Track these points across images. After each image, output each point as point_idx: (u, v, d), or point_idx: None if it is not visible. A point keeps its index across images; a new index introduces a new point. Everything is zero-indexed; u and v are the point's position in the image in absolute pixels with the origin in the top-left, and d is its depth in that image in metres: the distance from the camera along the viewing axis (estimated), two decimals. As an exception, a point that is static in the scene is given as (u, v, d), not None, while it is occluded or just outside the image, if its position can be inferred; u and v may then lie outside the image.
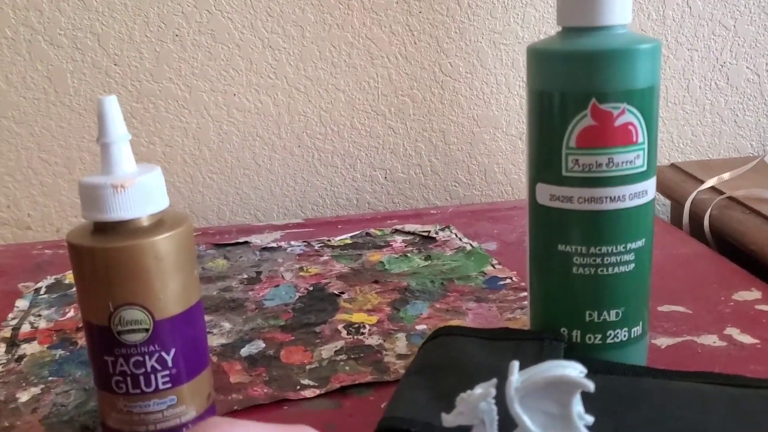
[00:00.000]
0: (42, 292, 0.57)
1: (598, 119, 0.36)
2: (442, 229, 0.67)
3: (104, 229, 0.33)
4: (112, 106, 0.33)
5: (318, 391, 0.41)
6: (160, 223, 0.34)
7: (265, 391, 0.42)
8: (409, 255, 0.61)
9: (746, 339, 0.45)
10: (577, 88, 0.36)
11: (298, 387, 0.42)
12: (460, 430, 0.29)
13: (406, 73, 0.77)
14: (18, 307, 0.54)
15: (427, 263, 0.59)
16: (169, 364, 0.34)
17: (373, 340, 0.47)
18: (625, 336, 0.39)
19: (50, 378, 0.44)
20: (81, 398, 0.42)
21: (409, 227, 0.68)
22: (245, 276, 0.58)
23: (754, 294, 0.51)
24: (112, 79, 0.73)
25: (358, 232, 0.67)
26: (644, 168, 0.37)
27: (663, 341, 0.45)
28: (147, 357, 0.33)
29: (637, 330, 0.40)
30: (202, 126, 0.75)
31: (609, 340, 0.39)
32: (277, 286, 0.56)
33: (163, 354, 0.33)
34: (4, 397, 0.42)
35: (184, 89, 0.74)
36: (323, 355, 0.45)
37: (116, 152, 0.33)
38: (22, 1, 0.70)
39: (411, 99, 0.78)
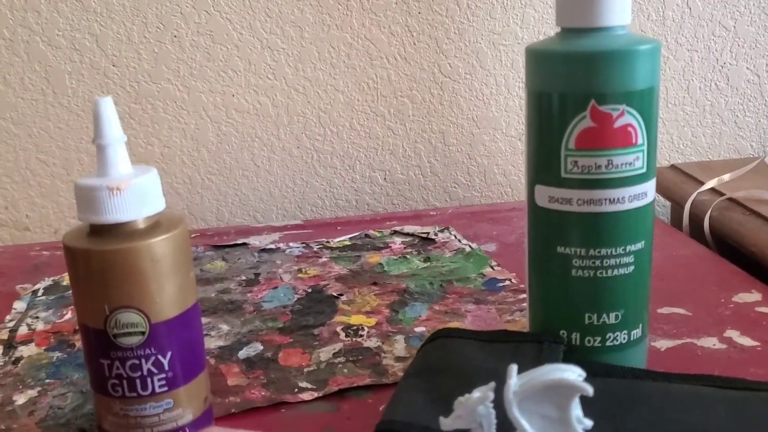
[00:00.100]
0: (40, 293, 0.57)
1: (597, 121, 0.36)
2: (442, 231, 0.67)
3: (100, 231, 0.33)
4: (109, 108, 0.33)
5: (316, 394, 0.41)
6: (156, 226, 0.34)
7: (263, 393, 0.41)
8: (408, 256, 0.61)
9: (746, 341, 0.45)
10: (576, 90, 0.36)
11: (296, 390, 0.42)
12: (458, 434, 0.28)
13: (406, 74, 0.77)
14: (15, 309, 0.54)
15: (426, 265, 0.59)
16: (166, 367, 0.33)
17: (372, 343, 0.47)
18: (624, 338, 0.39)
19: (47, 380, 0.44)
20: (78, 401, 0.41)
21: (408, 229, 0.67)
22: (243, 278, 0.58)
23: (755, 296, 0.51)
24: (111, 80, 0.73)
25: (357, 233, 0.67)
26: (644, 170, 0.37)
27: (663, 344, 0.45)
28: (143, 360, 0.33)
29: (636, 332, 0.40)
30: (201, 127, 0.75)
31: (608, 343, 0.39)
32: (276, 287, 0.56)
33: (160, 357, 0.33)
34: (1, 400, 0.42)
35: (183, 90, 0.74)
36: (321, 358, 0.45)
37: (112, 154, 0.33)
38: (20, 2, 0.70)
39: (410, 100, 0.78)
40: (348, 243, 0.65)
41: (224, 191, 0.77)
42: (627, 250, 0.38)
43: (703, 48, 0.82)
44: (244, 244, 0.65)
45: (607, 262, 0.38)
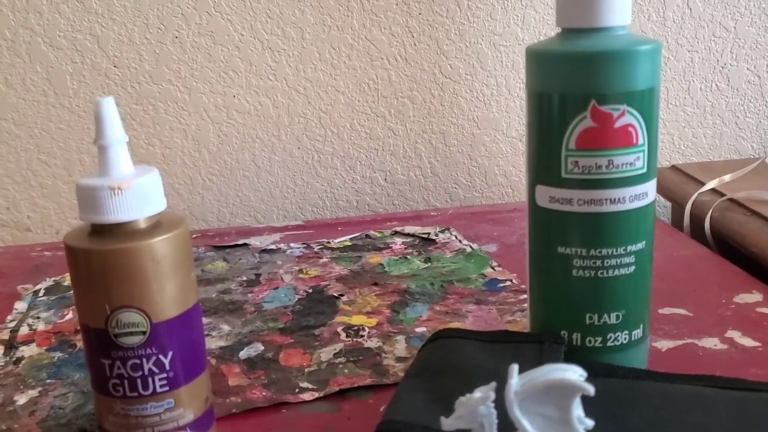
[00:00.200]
0: (41, 294, 0.57)
1: (597, 121, 0.36)
2: (442, 231, 0.67)
3: (101, 231, 0.33)
4: (110, 108, 0.33)
5: (317, 394, 0.41)
6: (157, 225, 0.34)
7: (264, 394, 0.41)
8: (408, 257, 0.61)
9: (747, 342, 0.45)
10: (576, 90, 0.36)
11: (297, 390, 0.42)
12: (459, 434, 0.28)
13: (406, 75, 0.77)
14: (16, 309, 0.54)
15: (426, 265, 0.59)
16: (167, 367, 0.33)
17: (373, 343, 0.47)
18: (625, 339, 0.39)
19: (48, 380, 0.44)
20: (79, 401, 0.41)
21: (408, 229, 0.67)
22: (244, 278, 0.58)
23: (756, 296, 0.51)
24: (112, 81, 0.73)
25: (358, 234, 0.67)
26: (644, 170, 0.37)
27: (664, 344, 0.45)
28: (144, 360, 0.33)
29: (637, 333, 0.40)
30: (202, 128, 0.75)
31: (609, 343, 0.39)
32: (277, 288, 0.56)
33: (161, 357, 0.33)
34: (2, 400, 0.42)
35: (184, 91, 0.74)
36: (322, 358, 0.45)
37: (113, 154, 0.33)
38: (22, 3, 0.70)
39: (411, 101, 0.78)
40: (349, 243, 0.65)
41: (225, 192, 0.77)
42: (628, 251, 0.38)
43: (704, 49, 0.82)
44: (245, 244, 0.65)
45: (607, 263, 0.38)
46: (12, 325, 0.51)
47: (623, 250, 0.38)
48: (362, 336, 0.48)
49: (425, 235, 0.66)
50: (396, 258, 0.61)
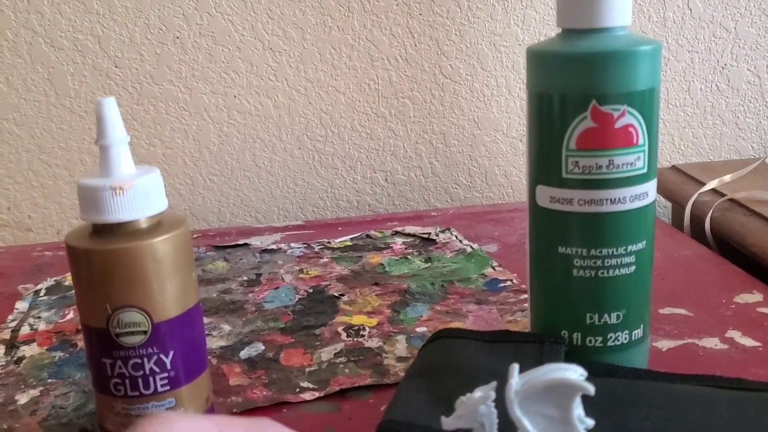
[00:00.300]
0: (42, 294, 0.57)
1: (598, 121, 0.36)
2: (443, 231, 0.67)
3: (103, 231, 0.33)
4: (111, 108, 0.33)
5: (317, 394, 0.41)
6: (158, 225, 0.34)
7: (265, 393, 0.41)
8: (409, 257, 0.61)
9: (748, 342, 0.45)
10: (577, 90, 0.36)
11: (298, 390, 0.42)
12: (460, 434, 0.28)
13: (407, 75, 0.77)
14: (18, 309, 0.54)
15: (427, 265, 0.59)
16: (168, 366, 0.33)
17: (373, 343, 0.47)
18: (626, 339, 0.39)
19: (49, 380, 0.44)
20: (80, 400, 0.41)
21: (409, 229, 0.67)
22: (245, 278, 0.58)
23: (756, 296, 0.51)
24: (113, 81, 0.73)
25: (358, 234, 0.67)
26: (645, 170, 0.37)
27: (664, 344, 0.45)
28: (145, 359, 0.33)
29: (638, 333, 0.40)
30: (203, 128, 0.75)
31: (610, 343, 0.39)
32: (277, 288, 0.56)
33: (162, 356, 0.33)
34: (3, 399, 0.42)
35: (185, 91, 0.74)
36: (323, 358, 0.45)
37: (115, 154, 0.33)
38: (23, 4, 0.70)
39: (411, 101, 0.78)
40: (349, 243, 0.65)
41: (226, 192, 0.78)
42: (628, 250, 0.38)
43: (704, 49, 0.82)
44: (246, 244, 0.65)
45: (608, 262, 0.38)
46: (13, 324, 0.51)
47: (624, 250, 0.38)
48: (363, 336, 0.48)
49: (426, 235, 0.66)
50: (396, 258, 0.61)
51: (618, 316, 0.39)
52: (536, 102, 0.38)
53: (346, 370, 0.43)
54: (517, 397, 0.27)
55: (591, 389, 0.26)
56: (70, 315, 0.53)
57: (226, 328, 0.50)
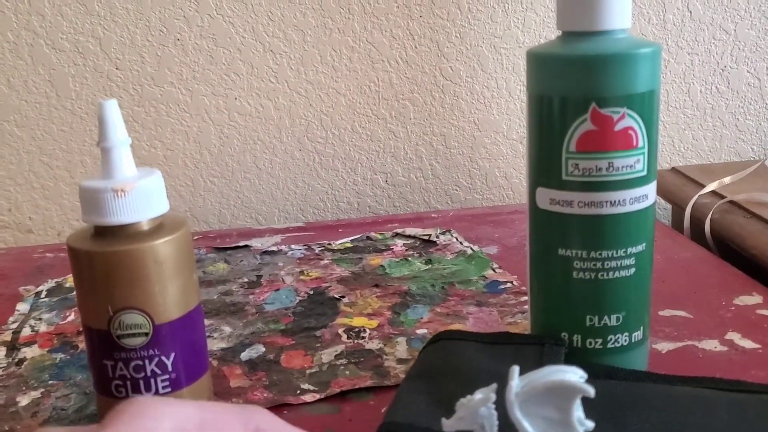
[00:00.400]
0: (43, 295, 0.57)
1: (598, 123, 0.36)
2: (443, 233, 0.67)
3: (104, 233, 0.33)
4: (113, 110, 0.33)
5: (318, 396, 0.41)
6: (159, 227, 0.34)
7: (265, 395, 0.42)
8: (409, 259, 0.61)
9: (747, 344, 0.45)
10: (577, 93, 0.36)
11: (298, 391, 0.42)
12: (460, 435, 0.28)
13: (407, 77, 0.77)
14: (19, 311, 0.54)
15: (427, 267, 0.59)
16: (169, 368, 0.34)
17: (374, 345, 0.47)
18: (625, 341, 0.39)
19: (50, 382, 0.44)
20: (81, 402, 0.41)
21: (409, 231, 0.68)
22: (246, 280, 0.58)
23: (756, 298, 0.51)
24: (114, 83, 0.73)
25: (359, 235, 0.67)
26: (644, 172, 0.37)
27: (664, 346, 0.45)
28: (147, 361, 0.33)
29: (637, 335, 0.40)
30: (204, 130, 0.76)
31: (610, 345, 0.39)
32: (278, 290, 0.56)
33: (163, 358, 0.33)
34: (4, 401, 0.42)
35: (186, 93, 0.74)
36: (323, 360, 0.45)
37: (117, 156, 0.33)
38: (24, 6, 0.70)
39: (412, 103, 0.78)
40: (349, 245, 0.65)
41: (226, 194, 0.78)
42: (628, 253, 0.38)
43: (704, 51, 0.82)
44: (246, 246, 0.66)
45: (608, 265, 0.38)
46: (14, 326, 0.52)
47: (623, 252, 0.38)
48: (363, 337, 0.48)
49: (426, 237, 0.66)
50: (397, 260, 0.61)
51: (618, 318, 0.39)
52: (536, 104, 0.38)
53: (347, 372, 0.44)
54: (518, 399, 0.27)
55: (591, 391, 0.26)
56: (71, 317, 0.53)
57: (227, 329, 0.50)
